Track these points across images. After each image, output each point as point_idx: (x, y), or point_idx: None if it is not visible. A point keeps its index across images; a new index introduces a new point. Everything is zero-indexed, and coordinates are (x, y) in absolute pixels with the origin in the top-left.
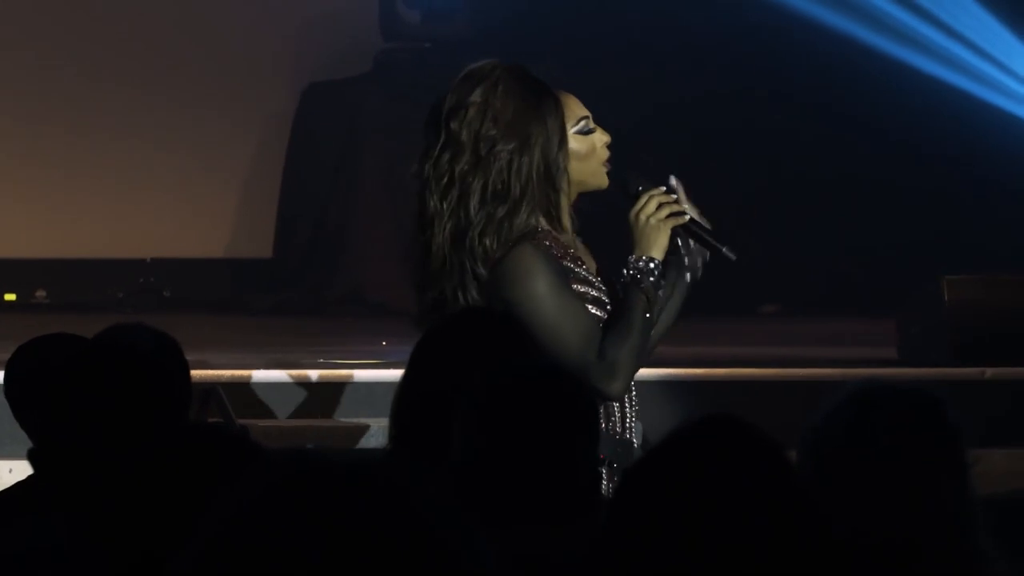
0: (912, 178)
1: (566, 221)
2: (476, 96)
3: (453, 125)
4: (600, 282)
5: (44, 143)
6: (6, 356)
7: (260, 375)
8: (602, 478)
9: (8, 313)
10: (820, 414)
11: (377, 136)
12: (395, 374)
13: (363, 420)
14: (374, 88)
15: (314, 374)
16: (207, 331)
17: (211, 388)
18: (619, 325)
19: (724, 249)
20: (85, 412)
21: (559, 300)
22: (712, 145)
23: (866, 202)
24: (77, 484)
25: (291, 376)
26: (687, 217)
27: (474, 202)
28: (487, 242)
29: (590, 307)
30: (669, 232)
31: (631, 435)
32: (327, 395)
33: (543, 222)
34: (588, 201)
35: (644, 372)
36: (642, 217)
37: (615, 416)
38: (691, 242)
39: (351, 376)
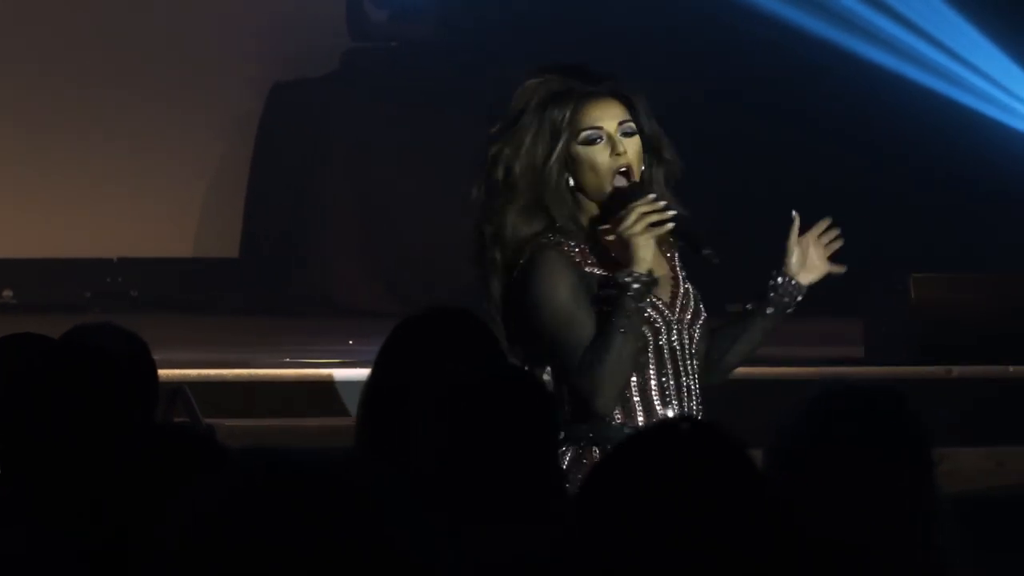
0: (878, 177)
1: (584, 221)
2: (518, 91)
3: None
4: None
5: (8, 143)
6: None
7: (227, 374)
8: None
9: None
10: (787, 413)
11: (344, 135)
12: (361, 373)
13: (329, 420)
14: (341, 88)
15: (280, 373)
16: (174, 331)
17: (178, 387)
18: (596, 342)
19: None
20: (51, 412)
21: (564, 312)
22: (680, 148)
23: (832, 201)
24: (43, 484)
25: (258, 375)
26: (669, 226)
27: (480, 192)
28: (487, 230)
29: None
30: (651, 243)
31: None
32: (293, 394)
33: (563, 223)
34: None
35: None
36: (624, 232)
37: (638, 415)
38: (778, 276)
39: (317, 375)
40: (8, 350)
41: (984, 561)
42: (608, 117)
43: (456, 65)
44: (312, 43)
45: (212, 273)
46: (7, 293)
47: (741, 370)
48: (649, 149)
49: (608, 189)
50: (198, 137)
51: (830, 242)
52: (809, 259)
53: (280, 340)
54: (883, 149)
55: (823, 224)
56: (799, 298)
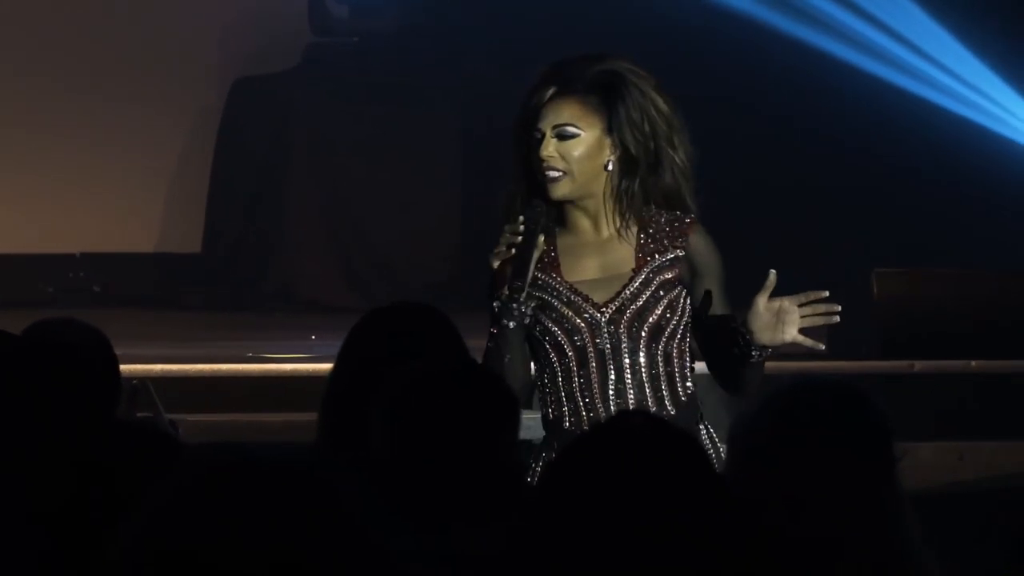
0: (839, 172)
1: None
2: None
3: None
4: (576, 285)
5: None
6: None
7: (190, 370)
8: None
9: None
10: (749, 408)
11: (306, 130)
12: (324, 369)
13: (292, 415)
14: (303, 83)
15: (244, 369)
16: (137, 326)
17: (141, 383)
18: None
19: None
20: (12, 408)
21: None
22: None
23: (793, 196)
24: (2, 480)
25: (221, 371)
26: (510, 253)
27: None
28: None
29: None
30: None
31: None
32: (257, 389)
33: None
34: None
35: None
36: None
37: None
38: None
39: (280, 370)
40: None
41: (946, 554)
42: (549, 120)
43: (417, 60)
44: (274, 38)
45: (175, 268)
46: None
47: (701, 364)
48: (630, 144)
49: (544, 185)
50: (161, 132)
51: (818, 314)
52: (781, 322)
53: (243, 335)
54: (845, 144)
55: (813, 294)
56: (755, 354)
